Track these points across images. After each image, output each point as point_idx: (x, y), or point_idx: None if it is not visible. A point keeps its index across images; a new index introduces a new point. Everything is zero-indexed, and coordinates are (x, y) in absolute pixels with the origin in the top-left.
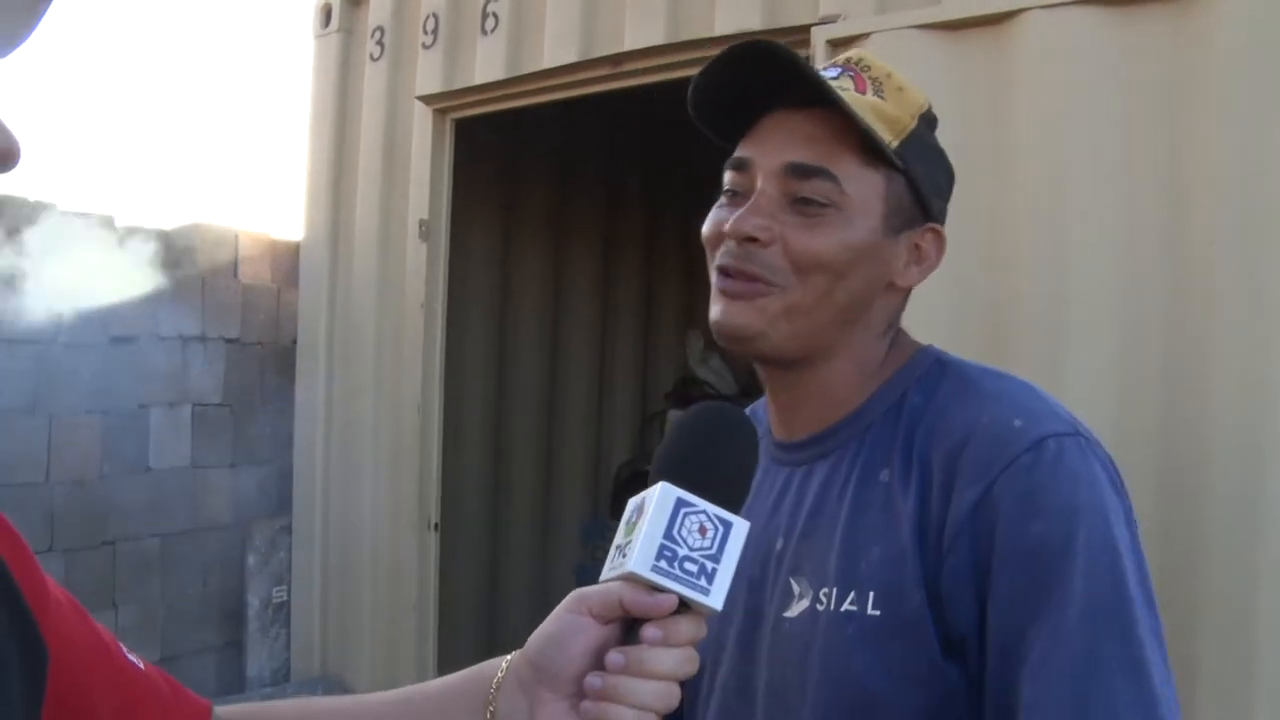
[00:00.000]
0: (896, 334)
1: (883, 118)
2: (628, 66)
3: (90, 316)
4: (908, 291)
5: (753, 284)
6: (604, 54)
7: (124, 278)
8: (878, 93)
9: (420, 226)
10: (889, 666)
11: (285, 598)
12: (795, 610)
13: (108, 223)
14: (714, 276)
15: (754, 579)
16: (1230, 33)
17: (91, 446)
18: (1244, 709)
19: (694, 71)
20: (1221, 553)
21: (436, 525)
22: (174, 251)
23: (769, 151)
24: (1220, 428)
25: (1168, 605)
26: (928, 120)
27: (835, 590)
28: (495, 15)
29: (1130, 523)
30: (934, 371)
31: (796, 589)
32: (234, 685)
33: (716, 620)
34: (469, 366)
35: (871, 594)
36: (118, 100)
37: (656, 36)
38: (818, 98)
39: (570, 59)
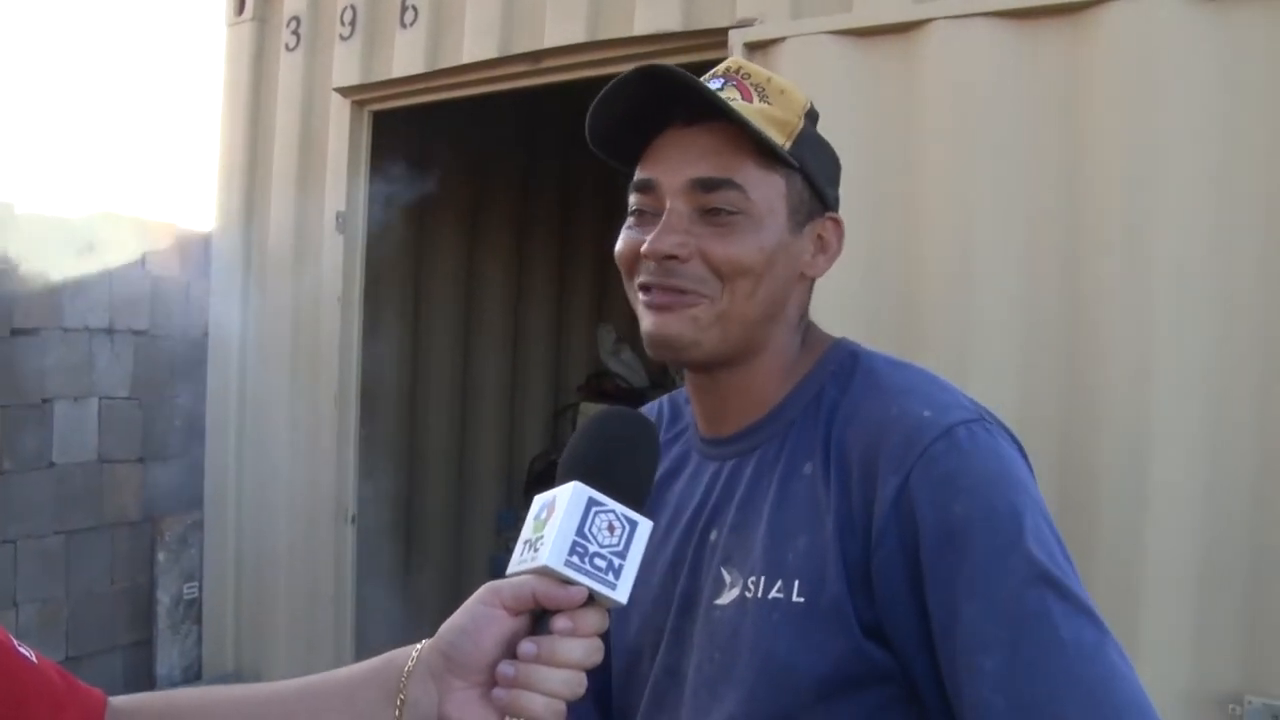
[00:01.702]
0: (808, 327)
1: (773, 122)
2: (547, 63)
3: None
4: (812, 282)
5: (682, 296)
6: (524, 50)
7: (26, 268)
8: (763, 99)
9: (337, 218)
10: (811, 650)
11: (197, 594)
12: (726, 598)
13: (9, 211)
14: (638, 294)
15: (690, 569)
16: (1118, 44)
17: None
18: None
19: (613, 69)
20: (1112, 529)
21: (354, 518)
22: (79, 241)
23: (672, 170)
24: (1112, 414)
25: None
26: (811, 117)
27: (763, 579)
28: (414, 8)
29: (1035, 484)
30: (848, 365)
31: (728, 578)
32: (143, 684)
33: (653, 609)
34: (384, 359)
35: (797, 582)
36: (18, 83)
37: (576, 34)
38: (712, 113)
39: (490, 54)
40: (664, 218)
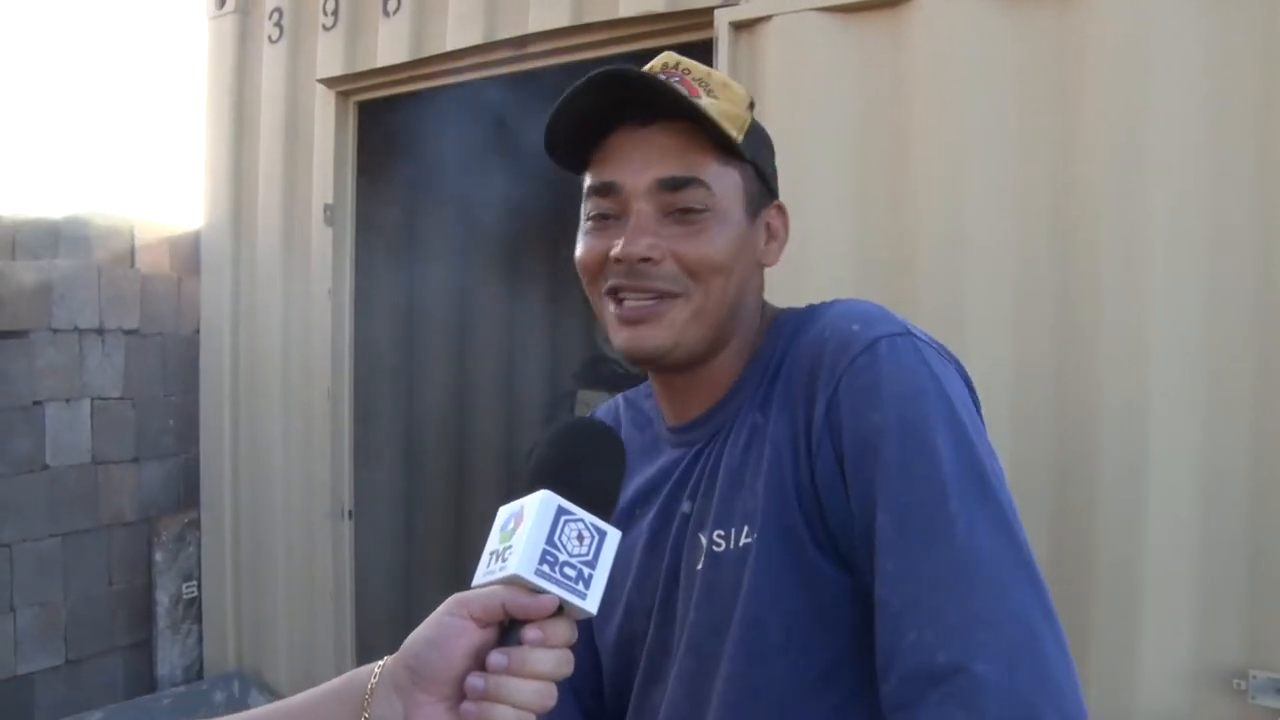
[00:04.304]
0: (765, 307)
1: (727, 117)
2: (532, 49)
3: None
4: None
5: (658, 300)
6: (508, 36)
7: (13, 269)
8: (710, 94)
9: (325, 211)
10: (776, 581)
11: (196, 593)
12: (704, 561)
13: None
14: (606, 301)
15: (672, 546)
16: (1108, 18)
17: None
18: (1131, 666)
19: (599, 53)
20: (1111, 501)
21: (351, 513)
22: (67, 241)
23: (634, 171)
24: (1107, 383)
25: (1061, 552)
26: (752, 108)
27: (731, 530)
28: None
29: (967, 398)
30: (798, 322)
31: (704, 541)
32: (144, 685)
33: (638, 594)
34: (377, 351)
35: (761, 522)
36: (1, 84)
37: (561, 18)
38: (670, 112)
39: (474, 41)
40: (632, 220)
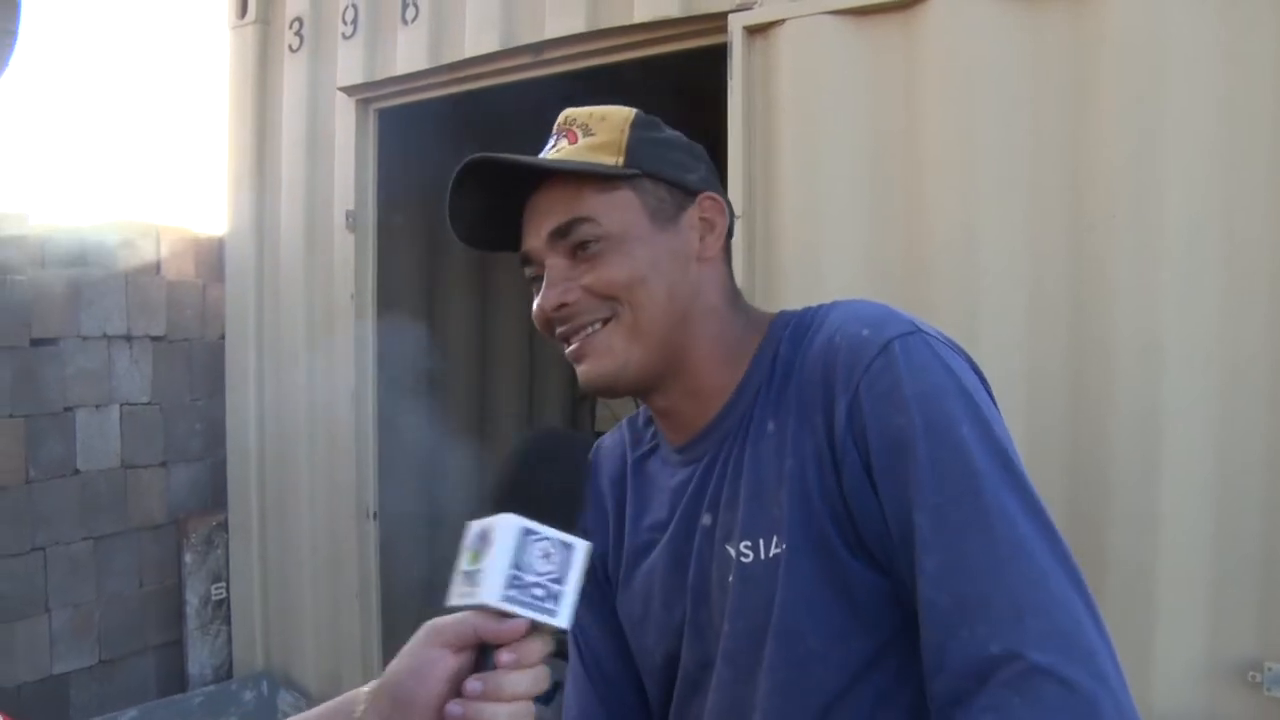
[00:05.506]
0: (749, 310)
1: (599, 148)
2: (549, 55)
3: (9, 318)
4: (723, 264)
5: (592, 333)
6: (525, 42)
7: (43, 277)
8: (587, 134)
9: (347, 217)
10: (809, 590)
11: (224, 594)
12: (734, 573)
13: (22, 220)
14: (565, 349)
15: (696, 561)
16: (1122, 19)
17: (16, 450)
18: (1146, 660)
19: (614, 58)
20: (1124, 496)
21: (375, 514)
22: (94, 249)
23: (535, 233)
24: (1122, 381)
25: (1076, 546)
26: (643, 124)
27: (760, 540)
28: (416, 4)
29: (981, 387)
30: (803, 324)
31: (733, 553)
32: (175, 685)
33: (667, 613)
34: (400, 354)
35: (788, 532)
36: (27, 93)
37: (577, 24)
38: (542, 174)
39: (492, 48)
40: (546, 276)
